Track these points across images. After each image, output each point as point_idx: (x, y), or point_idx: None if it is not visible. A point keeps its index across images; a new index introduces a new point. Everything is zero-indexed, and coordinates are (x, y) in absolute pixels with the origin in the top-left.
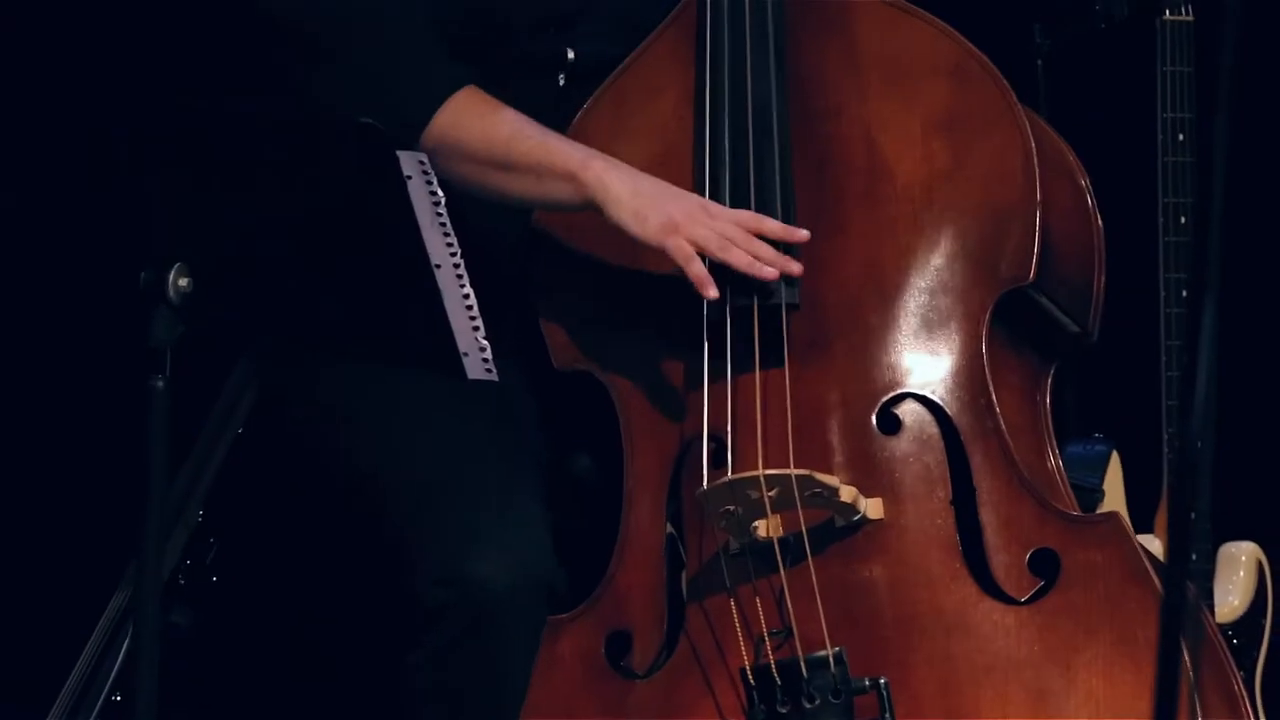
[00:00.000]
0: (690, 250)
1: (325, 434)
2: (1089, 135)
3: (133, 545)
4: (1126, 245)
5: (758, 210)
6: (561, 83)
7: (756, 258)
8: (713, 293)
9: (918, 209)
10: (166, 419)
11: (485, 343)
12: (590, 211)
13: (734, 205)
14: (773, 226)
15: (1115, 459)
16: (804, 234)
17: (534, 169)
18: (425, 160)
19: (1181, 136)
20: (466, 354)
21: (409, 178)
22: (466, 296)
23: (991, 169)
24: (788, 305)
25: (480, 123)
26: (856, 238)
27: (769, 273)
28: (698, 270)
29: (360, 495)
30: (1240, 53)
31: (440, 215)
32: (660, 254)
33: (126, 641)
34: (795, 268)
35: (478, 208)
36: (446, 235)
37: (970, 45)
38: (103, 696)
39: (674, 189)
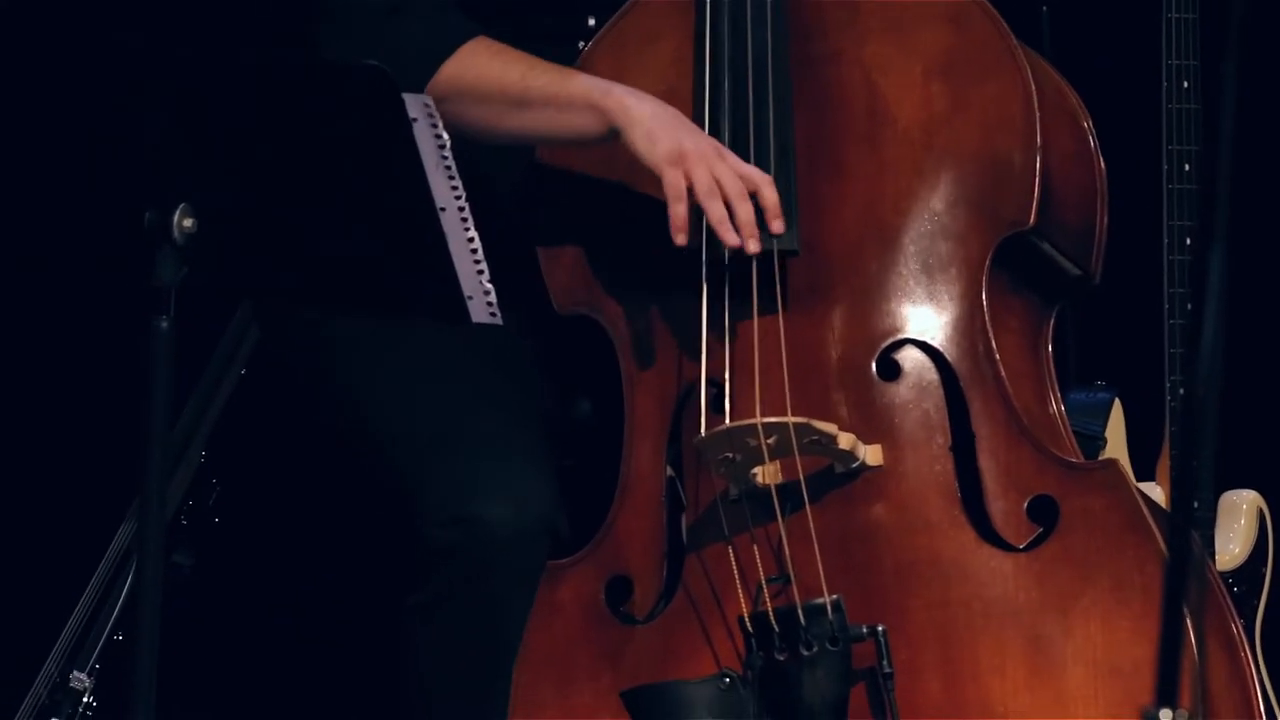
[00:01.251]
0: (683, 188)
1: (328, 376)
2: (1094, 81)
3: (135, 485)
4: (1130, 191)
5: (756, 155)
6: (583, 50)
7: (734, 218)
8: (682, 239)
9: (917, 153)
10: (170, 359)
11: (490, 286)
12: (603, 143)
13: (733, 149)
14: (769, 197)
15: (1117, 406)
16: (780, 226)
17: (553, 101)
18: (430, 103)
19: (1186, 84)
20: (471, 297)
21: (414, 120)
22: (471, 240)
23: (991, 113)
24: (786, 251)
25: (493, 63)
26: (856, 182)
27: (731, 238)
28: (679, 211)
29: (363, 438)
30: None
31: (445, 158)
32: (658, 189)
33: (128, 581)
34: (752, 246)
35: (480, 153)
36: (451, 179)
37: None
38: (104, 636)
39: (692, 124)
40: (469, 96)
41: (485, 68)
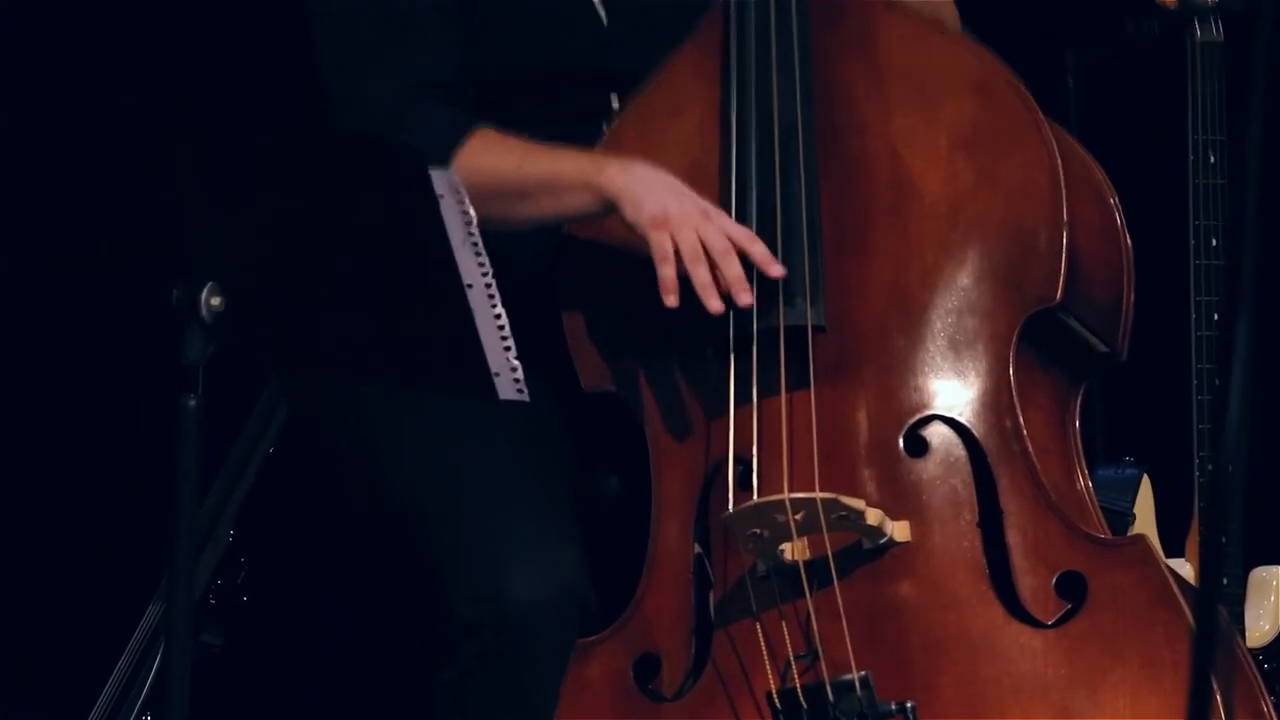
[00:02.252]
0: (669, 250)
1: (357, 453)
2: (1120, 155)
3: (164, 564)
4: (1157, 266)
5: (784, 229)
6: (607, 128)
7: (724, 276)
8: (672, 301)
9: (944, 227)
10: (198, 437)
11: (516, 363)
12: (613, 216)
13: (760, 224)
14: (758, 252)
15: (1146, 482)
16: (779, 270)
17: (549, 186)
18: (457, 179)
19: (1213, 158)
20: (498, 374)
21: (441, 196)
22: (498, 316)
23: (1017, 186)
24: (814, 327)
25: (487, 158)
26: (883, 257)
27: (715, 304)
28: (667, 273)
29: (392, 514)
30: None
31: (472, 234)
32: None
33: (157, 660)
34: (745, 299)
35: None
36: (478, 255)
37: (996, 61)
38: (134, 716)
39: (682, 187)
40: (473, 196)
41: (482, 165)
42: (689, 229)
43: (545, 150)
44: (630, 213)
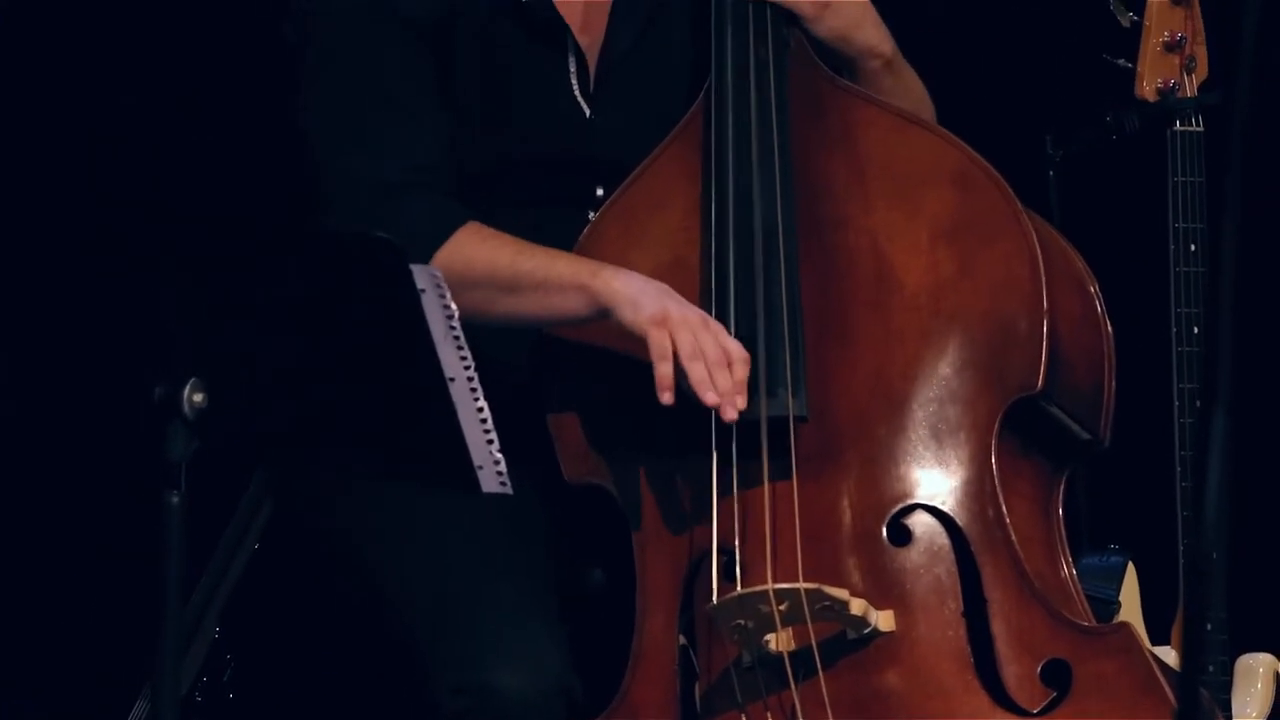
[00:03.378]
0: (667, 348)
1: (341, 547)
2: (1101, 244)
3: (149, 661)
4: (1140, 354)
5: (765, 321)
6: (591, 218)
7: (715, 383)
8: (668, 398)
9: (925, 318)
10: (182, 534)
11: (499, 456)
12: (599, 321)
13: (740, 318)
14: (739, 374)
15: (1131, 570)
16: (740, 403)
17: (542, 285)
18: (438, 274)
19: (1194, 247)
20: (481, 467)
21: (422, 291)
22: (480, 410)
23: (998, 276)
24: (795, 417)
25: (482, 249)
26: (865, 348)
27: (711, 398)
28: (664, 370)
29: (377, 608)
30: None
31: (454, 328)
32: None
33: None
34: (728, 413)
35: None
36: (460, 348)
37: (974, 153)
38: None
39: (680, 296)
40: (461, 283)
41: (475, 254)
42: (687, 330)
43: (541, 249)
44: (629, 314)
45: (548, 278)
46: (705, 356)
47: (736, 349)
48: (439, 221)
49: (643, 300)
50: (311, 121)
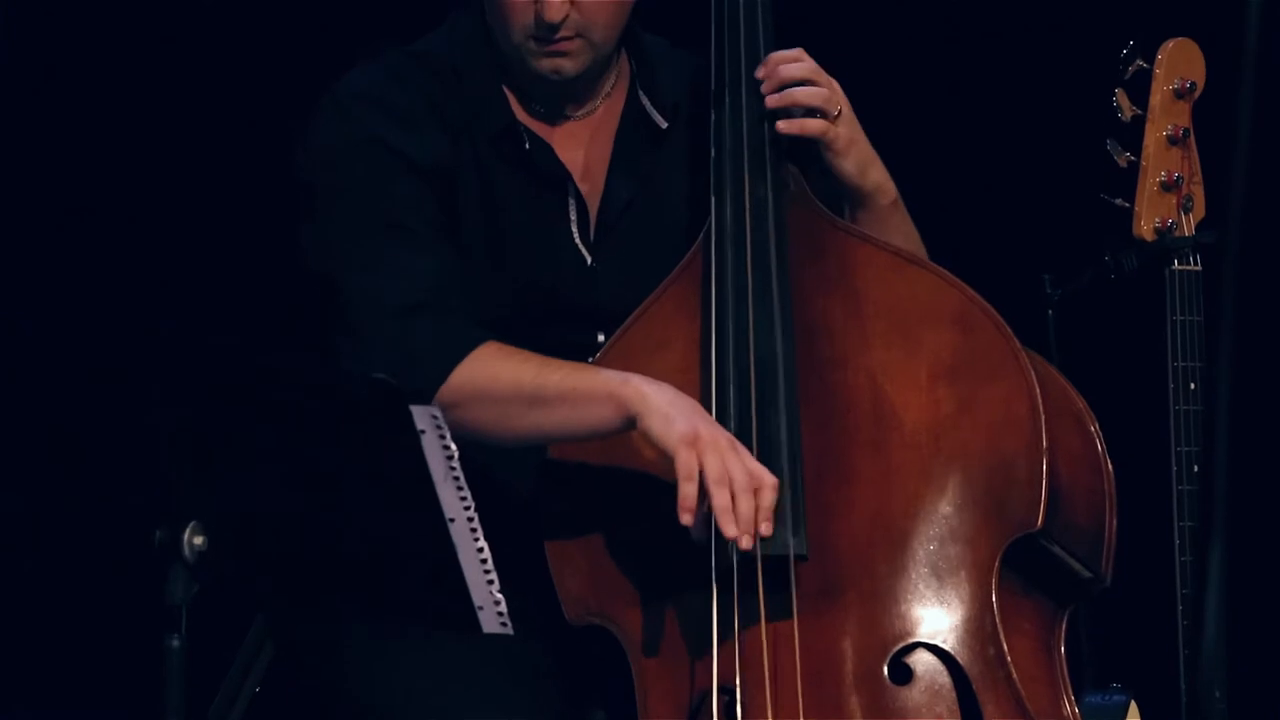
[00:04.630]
0: (695, 469)
1: (340, 684)
2: (1101, 383)
3: None
4: (1140, 493)
5: (762, 460)
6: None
7: (737, 510)
8: (688, 519)
9: (924, 456)
10: (182, 677)
11: (500, 596)
12: (617, 435)
13: None
14: (766, 499)
15: (1134, 709)
16: (766, 530)
17: (569, 396)
18: (438, 414)
19: (1193, 385)
20: (482, 608)
21: (422, 432)
22: (481, 550)
23: (997, 415)
24: (796, 556)
25: (506, 363)
26: (865, 485)
27: (731, 529)
28: (688, 491)
29: None
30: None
31: (454, 469)
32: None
33: None
34: (745, 543)
35: (490, 458)
36: (460, 489)
37: (973, 293)
38: None
39: (709, 416)
40: (483, 399)
41: (499, 369)
42: (717, 454)
43: (566, 362)
44: (659, 426)
45: (576, 388)
46: (732, 482)
47: (766, 474)
48: (456, 341)
49: (674, 415)
50: (322, 251)
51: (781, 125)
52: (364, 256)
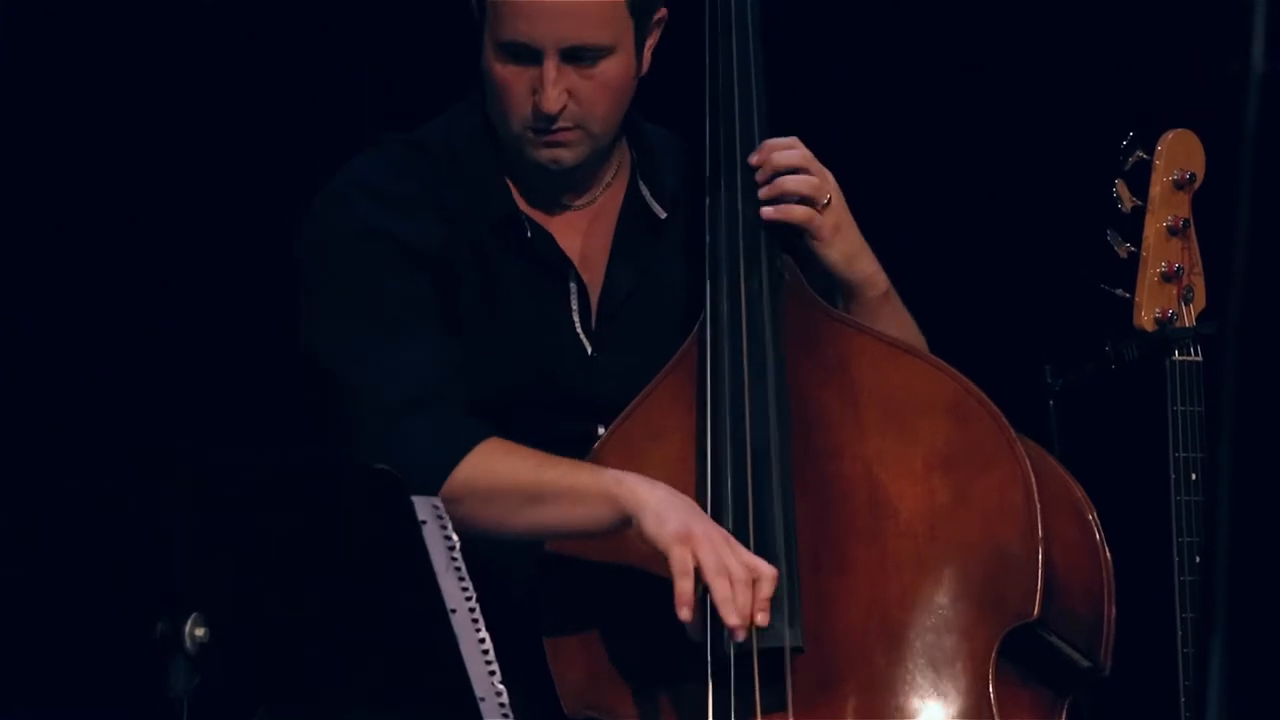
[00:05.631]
0: (689, 565)
1: None
2: (1102, 474)
3: None
4: (1142, 584)
5: (758, 550)
6: (591, 452)
7: (735, 601)
8: (686, 614)
9: (920, 546)
10: None
11: (501, 687)
12: (614, 533)
13: None
14: (764, 590)
15: None
16: (762, 619)
17: (566, 494)
18: (439, 505)
19: (1194, 475)
20: (483, 699)
21: (423, 522)
22: (482, 641)
23: (993, 505)
24: (792, 648)
25: (506, 461)
26: (860, 577)
27: (733, 619)
28: (684, 587)
29: None
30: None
31: (455, 560)
32: (666, 583)
33: None
34: (741, 635)
35: (490, 550)
36: (461, 580)
37: (968, 382)
38: None
39: (703, 512)
40: (483, 496)
41: (499, 466)
42: (711, 548)
43: (564, 459)
44: (652, 526)
45: (573, 486)
46: (730, 574)
47: (764, 565)
48: (456, 438)
49: (667, 513)
50: (319, 345)
51: (766, 210)
52: (361, 351)
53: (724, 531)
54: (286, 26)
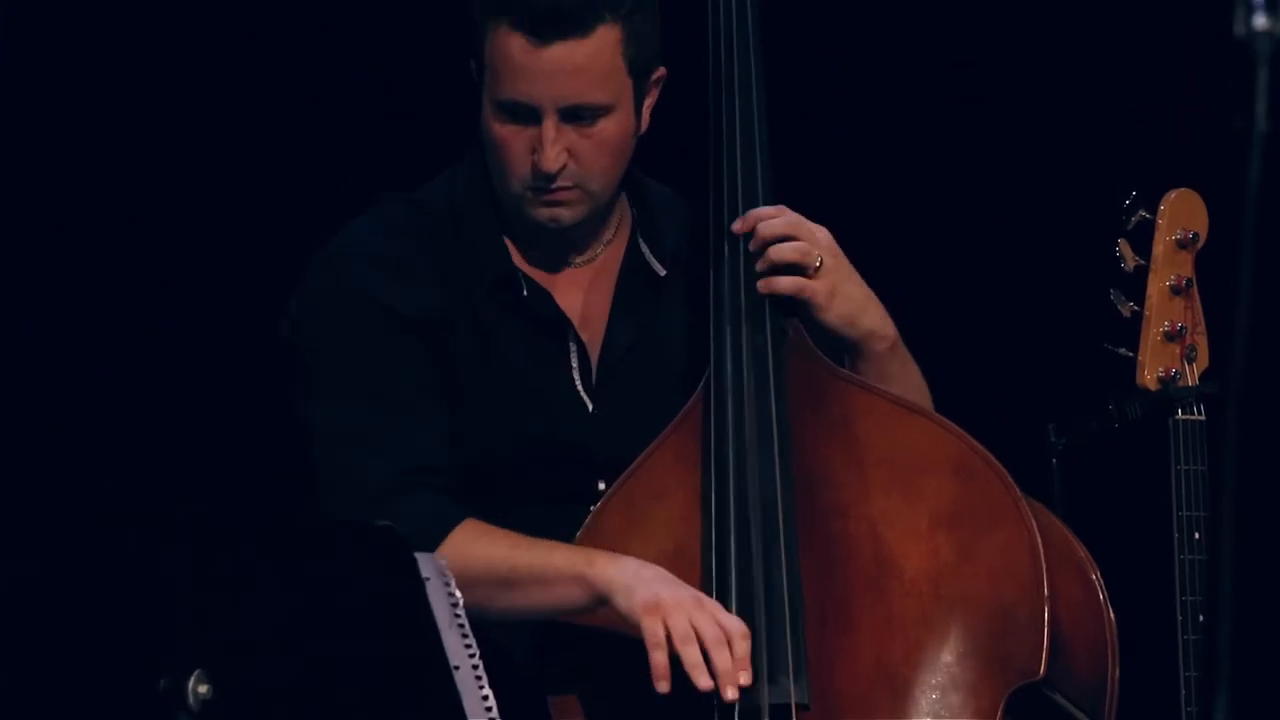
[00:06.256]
0: (661, 636)
1: None
2: (1105, 533)
3: None
4: (1145, 643)
5: (767, 608)
6: (593, 509)
7: (714, 665)
8: (664, 687)
9: (926, 604)
10: None
11: None
12: (592, 612)
13: (740, 606)
14: (739, 649)
15: None
16: (745, 680)
17: (539, 578)
18: (443, 562)
19: (1197, 535)
20: None
21: (427, 579)
22: (486, 698)
23: (998, 564)
24: (798, 704)
25: (478, 546)
26: (866, 633)
27: (704, 682)
28: (659, 659)
29: None
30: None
31: (459, 616)
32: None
33: None
34: (730, 695)
35: None
36: (465, 637)
37: (973, 440)
38: None
39: (675, 579)
40: (460, 582)
41: (471, 552)
42: (681, 614)
43: (536, 542)
44: (623, 602)
45: (545, 570)
46: (702, 637)
47: (735, 624)
48: (435, 522)
49: (636, 586)
50: (311, 420)
51: (759, 285)
52: (342, 427)
53: (695, 593)
54: (286, 27)
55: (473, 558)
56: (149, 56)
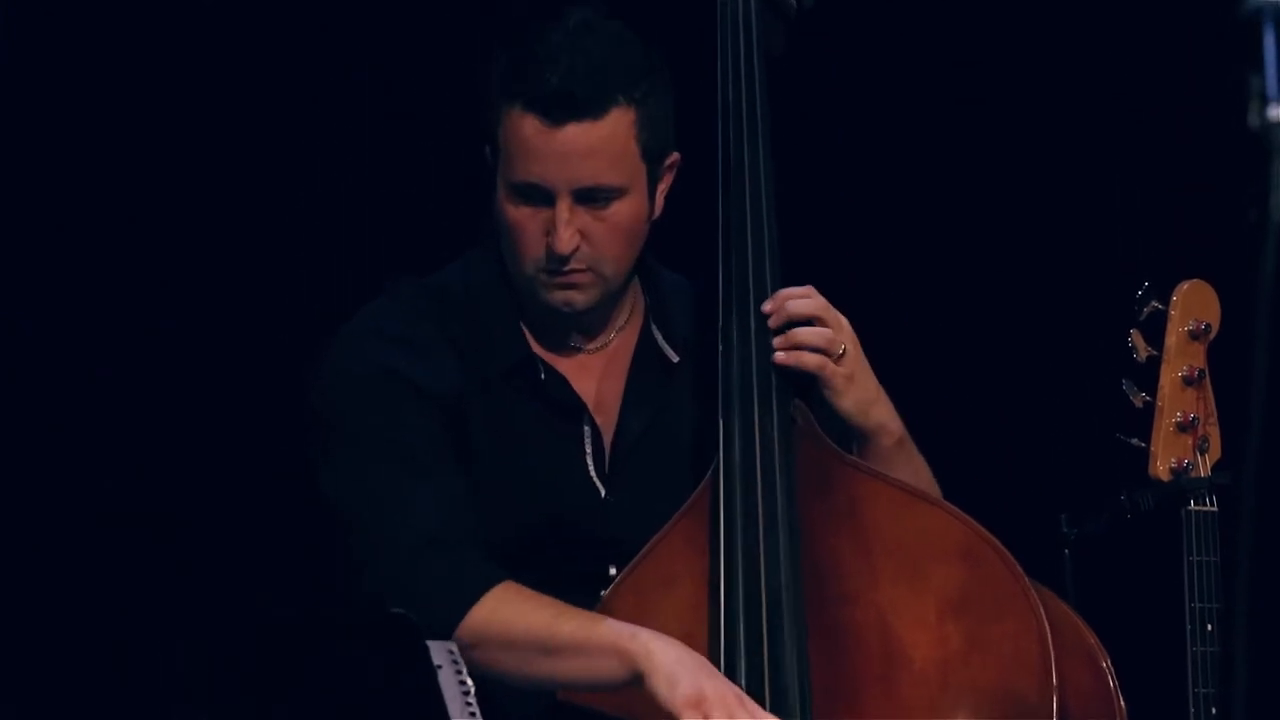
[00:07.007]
0: None
1: None
2: (1117, 624)
3: None
4: None
5: (772, 696)
6: (604, 594)
7: None
8: None
9: (934, 693)
10: None
11: None
12: (627, 688)
13: (749, 691)
14: None
15: None
16: None
17: (581, 648)
18: (455, 650)
19: (1210, 626)
20: None
21: (439, 667)
22: None
23: (1006, 652)
24: None
25: (520, 609)
26: None
27: None
28: None
29: None
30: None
31: (470, 704)
32: None
33: None
34: None
35: (506, 692)
36: None
37: (981, 528)
38: None
39: (714, 669)
40: (496, 643)
41: (513, 614)
42: (722, 711)
43: (580, 611)
44: (664, 689)
45: (587, 640)
46: None
47: None
48: (470, 581)
49: (679, 675)
50: (335, 490)
51: (779, 356)
52: (375, 492)
53: (737, 691)
54: (288, 27)
55: (514, 620)
56: (149, 56)
